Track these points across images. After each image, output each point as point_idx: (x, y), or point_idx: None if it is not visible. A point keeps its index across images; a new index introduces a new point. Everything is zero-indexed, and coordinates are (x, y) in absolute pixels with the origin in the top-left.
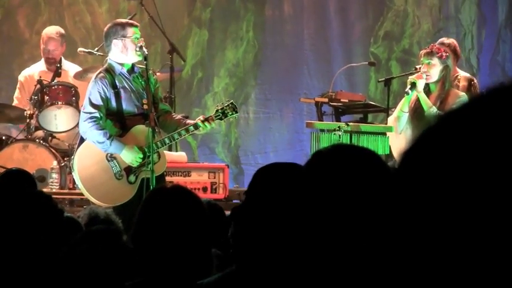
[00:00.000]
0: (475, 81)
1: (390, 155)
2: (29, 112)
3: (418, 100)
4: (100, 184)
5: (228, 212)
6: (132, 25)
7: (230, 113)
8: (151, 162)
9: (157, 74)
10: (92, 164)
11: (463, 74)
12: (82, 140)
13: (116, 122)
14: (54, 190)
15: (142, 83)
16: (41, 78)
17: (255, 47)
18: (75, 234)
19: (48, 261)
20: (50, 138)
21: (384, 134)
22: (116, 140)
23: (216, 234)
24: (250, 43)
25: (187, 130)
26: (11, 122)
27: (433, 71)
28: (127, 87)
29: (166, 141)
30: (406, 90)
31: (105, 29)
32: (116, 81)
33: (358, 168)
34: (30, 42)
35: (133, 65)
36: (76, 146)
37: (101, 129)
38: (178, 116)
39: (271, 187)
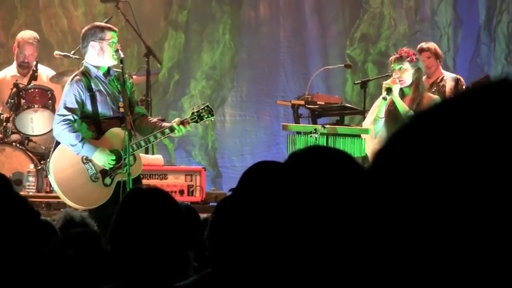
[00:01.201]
0: (462, 80)
1: (366, 158)
2: (5, 115)
3: (392, 103)
4: (76, 187)
5: (204, 215)
6: (110, 29)
7: (206, 116)
8: (128, 164)
9: (134, 77)
10: (67, 167)
11: (449, 75)
12: (58, 143)
13: (92, 125)
14: (31, 193)
15: (118, 86)
16: (17, 82)
17: (232, 50)
18: (50, 238)
19: (25, 264)
20: (26, 141)
21: (360, 136)
22: (87, 143)
23: (191, 236)
24: (227, 45)
25: (162, 133)
26: None
27: (406, 75)
28: (103, 90)
29: (142, 143)
30: (382, 96)
31: (84, 30)
32: (92, 84)
33: (333, 169)
34: (6, 46)
35: (109, 68)
36: (52, 149)
37: (73, 132)
38: (154, 119)
39: (255, 187)
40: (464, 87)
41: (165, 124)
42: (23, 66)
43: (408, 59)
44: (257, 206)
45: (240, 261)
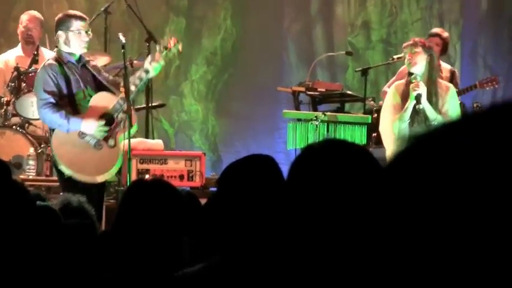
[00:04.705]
0: (457, 73)
1: (367, 146)
2: (5, 99)
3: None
4: (85, 162)
5: (204, 200)
6: (78, 18)
7: (174, 45)
8: (129, 127)
9: (135, 61)
10: (70, 149)
11: (444, 66)
12: (51, 131)
13: (67, 106)
14: (30, 177)
15: (91, 71)
16: (18, 65)
17: (233, 35)
18: (52, 224)
19: (21, 254)
20: (26, 125)
21: (360, 124)
22: (72, 117)
23: (191, 222)
24: (228, 31)
25: (140, 79)
26: None
27: (418, 58)
28: (76, 75)
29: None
30: (416, 106)
31: (56, 18)
32: (65, 69)
33: (350, 164)
34: (8, 30)
35: (81, 56)
36: (50, 138)
37: (56, 112)
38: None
39: (244, 180)
40: (457, 79)
41: (138, 72)
42: (28, 42)
43: (421, 43)
44: (260, 195)
45: (251, 249)
